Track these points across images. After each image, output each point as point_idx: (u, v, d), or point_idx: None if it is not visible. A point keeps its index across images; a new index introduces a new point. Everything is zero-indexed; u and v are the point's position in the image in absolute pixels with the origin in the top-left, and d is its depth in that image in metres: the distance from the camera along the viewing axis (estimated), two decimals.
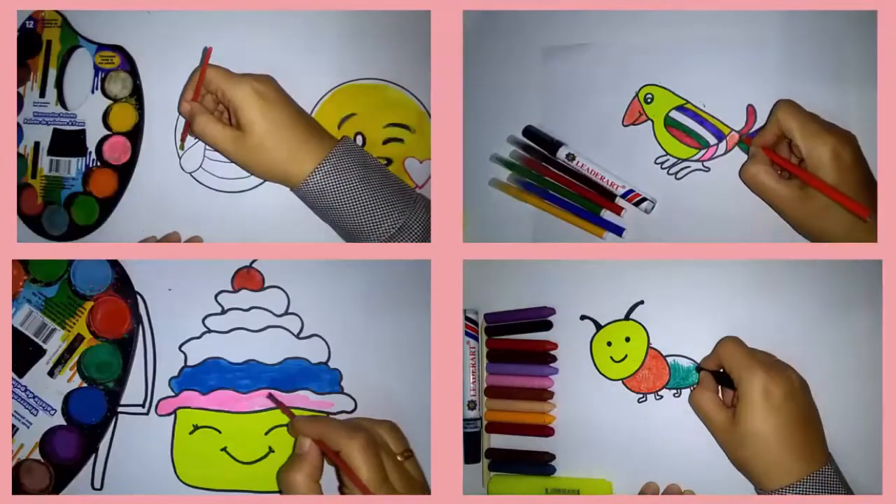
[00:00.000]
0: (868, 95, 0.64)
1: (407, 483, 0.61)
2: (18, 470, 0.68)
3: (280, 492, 0.62)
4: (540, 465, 0.71)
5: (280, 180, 0.67)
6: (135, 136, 0.74)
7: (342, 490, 0.63)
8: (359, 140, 0.74)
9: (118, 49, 0.74)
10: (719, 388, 0.65)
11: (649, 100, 0.70)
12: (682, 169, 0.70)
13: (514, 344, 0.74)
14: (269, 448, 0.69)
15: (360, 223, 0.65)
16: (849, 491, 0.59)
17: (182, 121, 0.73)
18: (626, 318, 0.70)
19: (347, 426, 0.62)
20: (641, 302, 0.70)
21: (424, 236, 0.66)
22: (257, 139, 0.65)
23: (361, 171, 0.65)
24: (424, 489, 0.63)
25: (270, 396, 0.68)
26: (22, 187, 0.74)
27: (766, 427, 0.59)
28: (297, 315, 0.71)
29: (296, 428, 0.63)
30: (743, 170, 0.64)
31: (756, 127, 0.67)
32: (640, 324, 0.70)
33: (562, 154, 0.72)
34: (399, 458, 0.62)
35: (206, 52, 0.67)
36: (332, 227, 0.68)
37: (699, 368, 0.66)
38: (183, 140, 0.72)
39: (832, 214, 0.59)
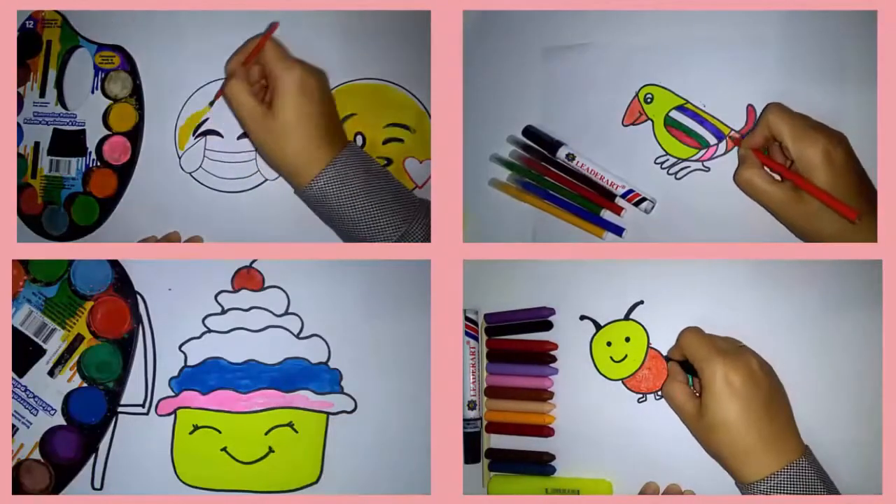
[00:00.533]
0: (868, 95, 0.64)
1: None
2: (18, 470, 0.68)
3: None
4: (540, 465, 0.71)
5: (287, 175, 0.67)
6: (135, 136, 0.74)
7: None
8: (359, 140, 0.74)
9: (118, 49, 0.74)
10: (689, 378, 0.65)
11: (649, 100, 0.70)
12: (682, 169, 0.70)
13: (514, 344, 0.74)
14: (269, 448, 0.69)
15: (361, 229, 0.65)
16: (830, 486, 0.59)
17: (184, 117, 0.73)
18: (626, 318, 0.70)
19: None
20: (641, 302, 0.70)
21: (425, 241, 0.66)
22: (280, 126, 0.64)
23: (364, 176, 0.65)
24: None
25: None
26: (22, 187, 0.74)
27: (730, 415, 0.59)
28: (297, 315, 0.71)
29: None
30: (736, 173, 0.64)
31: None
32: (640, 324, 0.70)
33: (562, 154, 0.72)
34: None
35: (272, 26, 0.68)
36: (334, 230, 0.68)
37: (667, 359, 0.67)
38: (216, 98, 0.71)
39: (826, 216, 0.60)
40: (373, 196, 0.65)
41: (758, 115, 0.67)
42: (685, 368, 0.65)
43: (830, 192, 0.59)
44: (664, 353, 0.68)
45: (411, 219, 0.66)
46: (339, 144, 0.66)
